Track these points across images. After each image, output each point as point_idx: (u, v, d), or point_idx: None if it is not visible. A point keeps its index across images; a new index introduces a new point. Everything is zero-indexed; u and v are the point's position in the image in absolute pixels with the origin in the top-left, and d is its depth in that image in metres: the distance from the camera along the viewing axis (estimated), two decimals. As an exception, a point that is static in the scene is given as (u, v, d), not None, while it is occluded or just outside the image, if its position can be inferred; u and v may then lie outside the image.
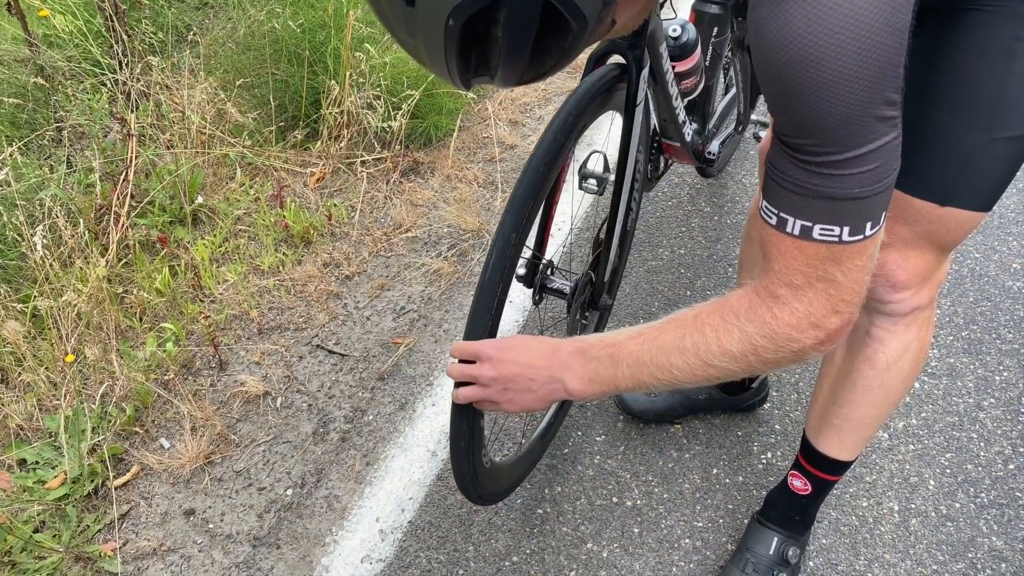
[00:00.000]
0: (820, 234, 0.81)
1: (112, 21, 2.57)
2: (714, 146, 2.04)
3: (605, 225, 1.61)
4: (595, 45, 1.34)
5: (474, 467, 1.33)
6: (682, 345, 0.95)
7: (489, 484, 1.42)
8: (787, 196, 0.82)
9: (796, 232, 0.82)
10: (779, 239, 0.85)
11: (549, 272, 1.55)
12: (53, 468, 1.80)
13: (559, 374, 1.08)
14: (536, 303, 1.54)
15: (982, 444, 1.89)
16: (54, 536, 1.69)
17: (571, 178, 1.52)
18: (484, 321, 1.21)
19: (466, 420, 1.25)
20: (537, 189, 1.23)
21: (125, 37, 2.60)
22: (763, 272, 0.90)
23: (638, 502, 1.78)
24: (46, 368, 1.96)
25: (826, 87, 0.74)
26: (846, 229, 0.81)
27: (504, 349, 1.12)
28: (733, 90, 2.27)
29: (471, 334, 1.23)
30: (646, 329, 1.01)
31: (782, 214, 0.83)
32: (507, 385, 1.11)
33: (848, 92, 0.74)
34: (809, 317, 0.86)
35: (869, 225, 0.81)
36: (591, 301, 1.67)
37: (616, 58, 1.36)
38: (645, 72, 1.39)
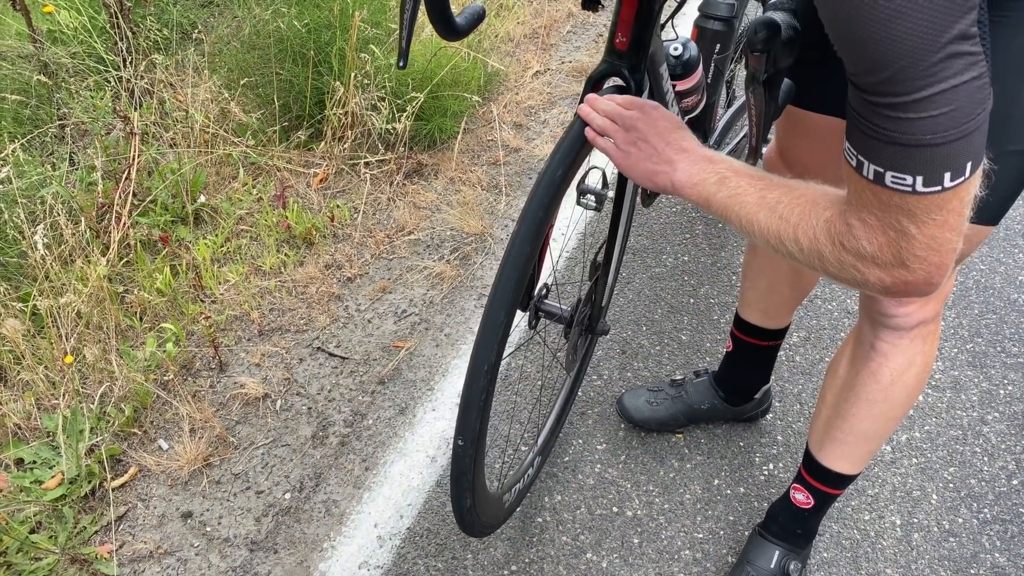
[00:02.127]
0: (892, 182, 0.76)
1: (117, 18, 2.56)
2: None
3: (603, 248, 1.59)
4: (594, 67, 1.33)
5: (475, 493, 1.31)
6: (774, 208, 0.92)
7: (488, 511, 1.41)
8: (863, 138, 0.78)
9: (870, 176, 0.78)
10: (856, 180, 0.81)
11: (544, 295, 1.52)
12: (50, 468, 1.79)
13: (679, 160, 1.05)
14: (532, 327, 1.52)
15: (986, 459, 1.88)
16: (50, 537, 1.68)
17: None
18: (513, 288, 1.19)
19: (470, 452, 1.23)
20: (550, 204, 1.21)
21: (129, 34, 2.59)
22: (848, 196, 0.86)
23: (638, 512, 1.76)
24: (45, 367, 1.95)
25: (886, 17, 0.69)
26: (919, 179, 0.75)
27: (661, 116, 1.11)
28: (736, 104, 2.26)
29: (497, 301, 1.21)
30: (763, 177, 0.97)
31: (860, 156, 0.79)
32: (639, 140, 1.09)
33: (911, 23, 0.68)
34: (875, 259, 0.82)
35: (948, 176, 0.74)
36: (588, 326, 1.65)
37: (615, 80, 1.34)
38: (645, 95, 1.37)
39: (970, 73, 0.71)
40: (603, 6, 1.36)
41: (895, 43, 0.69)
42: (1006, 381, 2.07)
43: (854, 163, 0.80)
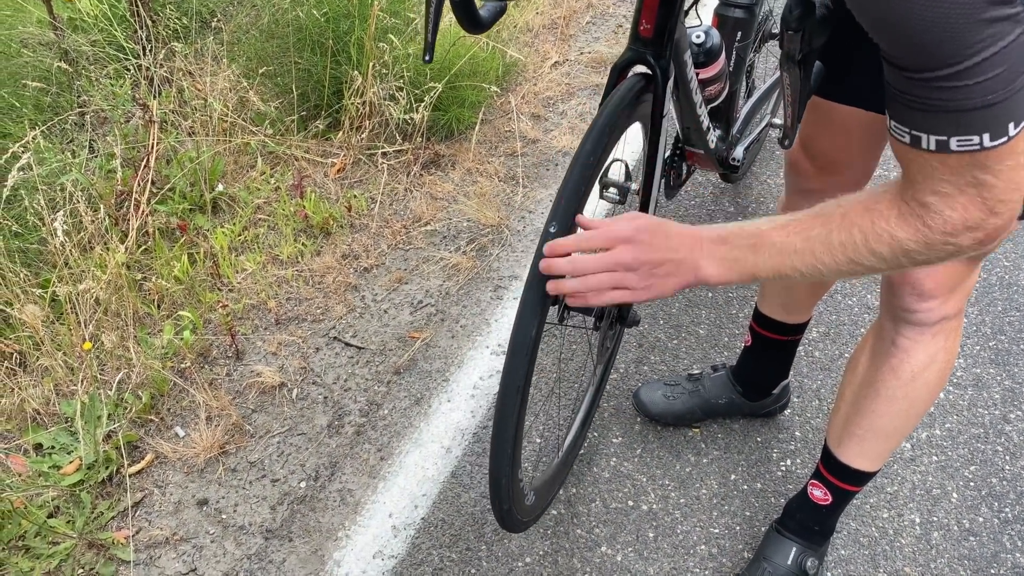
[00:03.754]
0: (959, 145, 0.76)
1: (136, 6, 2.56)
2: (738, 152, 2.01)
3: None
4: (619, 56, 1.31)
5: (512, 488, 1.30)
6: (828, 240, 0.91)
7: (522, 507, 1.40)
8: (915, 114, 0.78)
9: (932, 147, 0.78)
10: (915, 155, 0.80)
11: None
12: (68, 453, 1.81)
13: (697, 259, 1.00)
14: (560, 321, 1.50)
15: (1007, 457, 1.85)
16: (68, 522, 1.69)
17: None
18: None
19: (512, 429, 1.22)
20: (579, 199, 1.20)
21: (149, 22, 2.60)
22: (905, 182, 0.85)
23: (654, 506, 1.75)
24: (63, 353, 1.96)
25: (916, 2, 0.69)
26: (986, 136, 0.75)
27: (643, 230, 1.02)
28: (757, 93, 2.23)
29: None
30: (789, 222, 0.95)
31: (914, 132, 0.78)
32: (653, 270, 1.01)
33: (941, 4, 0.68)
34: (965, 222, 0.82)
35: (1012, 125, 0.74)
36: (619, 316, 1.64)
37: (639, 68, 1.33)
38: (671, 83, 1.35)
39: (1016, 31, 0.70)
40: None
41: (936, 20, 0.69)
42: (1029, 379, 2.04)
43: (908, 140, 0.79)
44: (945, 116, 0.75)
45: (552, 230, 1.14)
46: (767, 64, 2.57)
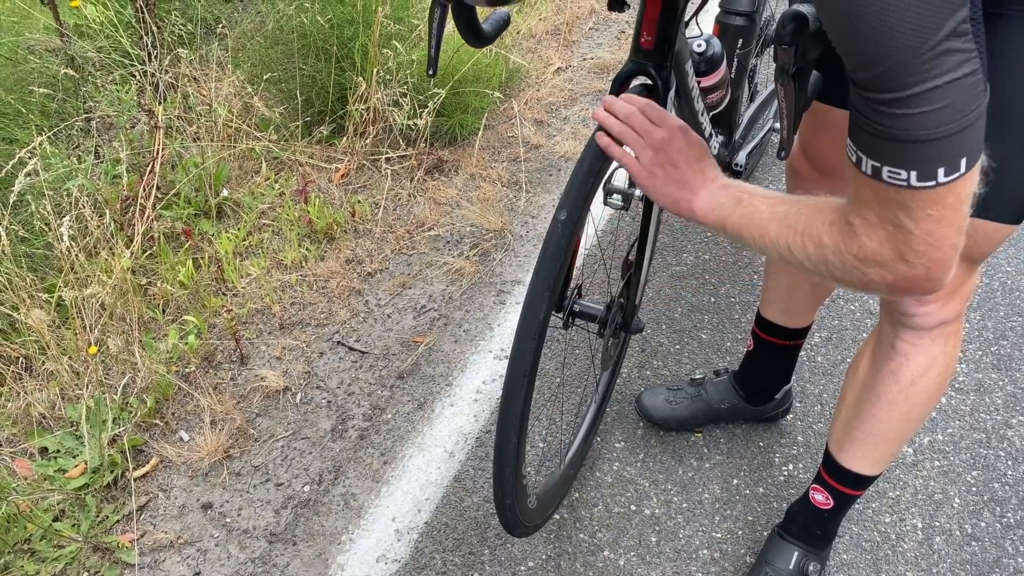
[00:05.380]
0: (889, 176, 0.78)
1: (142, 12, 2.58)
2: (741, 157, 2.02)
3: (635, 247, 1.58)
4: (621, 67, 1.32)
5: (516, 484, 1.31)
6: (783, 220, 0.94)
7: (527, 512, 1.41)
8: (863, 135, 0.79)
9: (868, 172, 0.79)
10: (856, 176, 0.82)
11: (577, 295, 1.52)
12: (74, 457, 1.82)
13: (700, 188, 1.06)
14: (565, 327, 1.51)
15: (1010, 463, 1.86)
16: (73, 525, 1.70)
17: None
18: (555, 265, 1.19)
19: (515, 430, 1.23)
20: (583, 205, 1.21)
21: (155, 28, 2.61)
22: (849, 199, 0.87)
23: (656, 511, 1.76)
24: (69, 358, 1.97)
25: (879, 12, 0.70)
26: (913, 173, 0.76)
27: (689, 137, 1.10)
28: (759, 98, 2.24)
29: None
30: (776, 195, 1.00)
31: (859, 152, 0.80)
32: (667, 164, 1.09)
33: (903, 19, 0.69)
34: (875, 257, 0.83)
35: (942, 171, 0.75)
36: (623, 324, 1.65)
37: (641, 79, 1.34)
38: (672, 93, 1.36)
39: (963, 69, 0.71)
40: (628, 6, 1.36)
41: (888, 39, 0.70)
42: (1031, 384, 2.04)
43: (854, 159, 0.82)
44: (883, 143, 0.77)
45: (562, 217, 1.18)
46: (770, 68, 2.58)
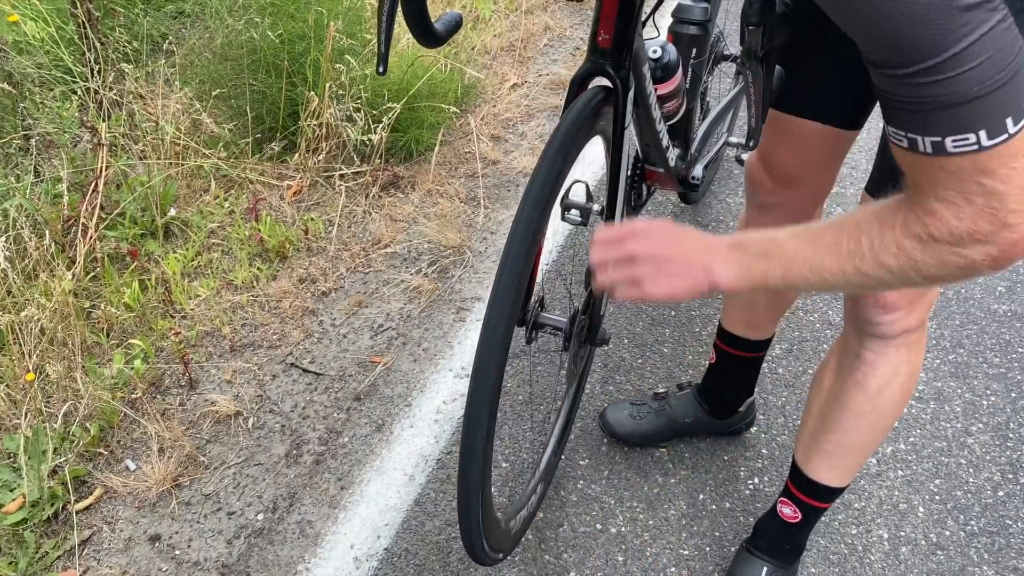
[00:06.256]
0: (955, 146, 0.72)
1: (84, 28, 2.50)
2: (697, 170, 2.01)
3: None
4: (577, 68, 1.30)
5: (484, 519, 1.26)
6: (838, 248, 0.86)
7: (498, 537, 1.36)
8: (905, 115, 0.74)
9: (929, 150, 0.73)
10: (915, 160, 0.76)
11: (540, 308, 1.48)
12: (11, 491, 1.72)
13: (710, 262, 0.97)
14: (528, 341, 1.47)
15: (971, 470, 1.86)
16: (10, 563, 1.61)
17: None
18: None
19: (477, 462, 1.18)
20: (541, 216, 1.18)
21: (98, 44, 2.53)
22: (912, 189, 0.80)
23: (622, 529, 1.72)
24: (6, 385, 1.87)
25: None
26: (983, 133, 0.70)
27: (658, 226, 1.01)
28: (712, 113, 2.24)
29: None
30: (804, 230, 0.92)
31: (910, 135, 0.74)
32: (660, 265, 0.99)
33: None
34: (973, 235, 0.76)
35: (1011, 121, 0.70)
36: (589, 335, 1.61)
37: (599, 80, 1.31)
38: (632, 94, 1.34)
39: (995, 17, 0.68)
40: None
41: (910, 9, 0.67)
42: (988, 392, 2.06)
43: (906, 144, 0.76)
44: (936, 114, 0.72)
45: (520, 229, 1.15)
46: (722, 84, 2.59)
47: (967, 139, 0.71)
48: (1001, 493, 1.81)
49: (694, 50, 1.82)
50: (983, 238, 0.76)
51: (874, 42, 0.71)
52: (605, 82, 1.30)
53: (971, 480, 1.84)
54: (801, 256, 0.90)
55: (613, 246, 1.02)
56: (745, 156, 2.29)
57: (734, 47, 2.26)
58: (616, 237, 1.02)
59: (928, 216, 0.78)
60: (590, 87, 1.29)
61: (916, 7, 0.66)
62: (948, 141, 0.72)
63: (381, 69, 1.07)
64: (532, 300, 1.44)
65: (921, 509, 1.78)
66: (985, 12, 0.67)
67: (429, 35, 1.10)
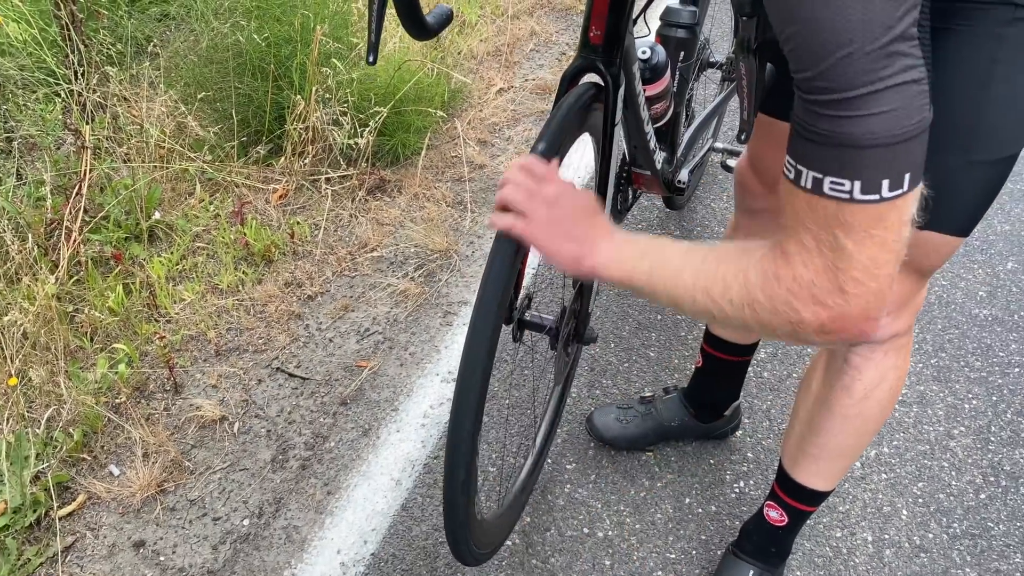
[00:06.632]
0: (831, 188, 0.73)
1: (68, 30, 2.48)
2: (683, 175, 2.02)
3: None
4: (568, 64, 1.30)
5: (468, 518, 1.26)
6: (699, 267, 0.88)
7: (481, 538, 1.35)
8: (803, 145, 0.75)
9: (808, 185, 0.75)
10: (794, 193, 0.77)
11: (527, 305, 1.48)
12: (-8, 497, 1.70)
13: (597, 240, 1.00)
14: (516, 339, 1.47)
15: (953, 473, 1.88)
16: (-9, 571, 1.59)
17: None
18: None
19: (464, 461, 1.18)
20: None
21: (82, 47, 2.51)
22: (783, 227, 0.81)
23: (609, 533, 1.73)
24: (-12, 390, 1.86)
25: (822, 6, 0.68)
26: (857, 184, 0.72)
27: (581, 194, 1.05)
28: (697, 119, 2.26)
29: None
30: (691, 245, 0.93)
31: (798, 166, 0.76)
32: (559, 221, 1.01)
33: (847, 16, 0.67)
34: (811, 288, 0.77)
35: (887, 185, 0.71)
36: (576, 334, 1.61)
37: (590, 77, 1.32)
38: (622, 91, 1.35)
39: (911, 75, 0.70)
40: None
41: (839, 33, 0.68)
42: (970, 395, 2.08)
43: (792, 175, 0.77)
44: (829, 151, 0.73)
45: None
46: (708, 90, 2.61)
47: (843, 185, 0.73)
48: (983, 496, 1.83)
49: (682, 53, 1.83)
50: (818, 296, 0.77)
51: (804, 59, 0.72)
52: (596, 78, 1.30)
53: (953, 483, 1.86)
54: (669, 266, 0.92)
55: (534, 177, 1.05)
56: (732, 162, 2.31)
57: (719, 54, 2.28)
58: (541, 174, 1.06)
59: (782, 256, 0.80)
60: (581, 82, 1.29)
61: (850, 32, 0.68)
62: (827, 181, 0.73)
63: (371, 59, 1.07)
64: (520, 299, 1.44)
65: (905, 512, 1.79)
66: (905, 64, 0.69)
67: (420, 27, 1.09)
